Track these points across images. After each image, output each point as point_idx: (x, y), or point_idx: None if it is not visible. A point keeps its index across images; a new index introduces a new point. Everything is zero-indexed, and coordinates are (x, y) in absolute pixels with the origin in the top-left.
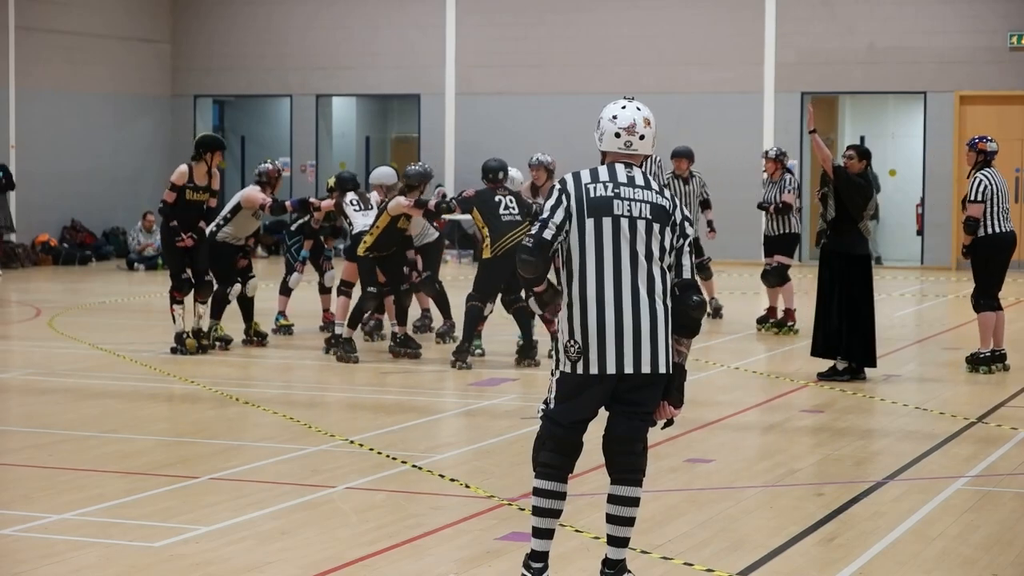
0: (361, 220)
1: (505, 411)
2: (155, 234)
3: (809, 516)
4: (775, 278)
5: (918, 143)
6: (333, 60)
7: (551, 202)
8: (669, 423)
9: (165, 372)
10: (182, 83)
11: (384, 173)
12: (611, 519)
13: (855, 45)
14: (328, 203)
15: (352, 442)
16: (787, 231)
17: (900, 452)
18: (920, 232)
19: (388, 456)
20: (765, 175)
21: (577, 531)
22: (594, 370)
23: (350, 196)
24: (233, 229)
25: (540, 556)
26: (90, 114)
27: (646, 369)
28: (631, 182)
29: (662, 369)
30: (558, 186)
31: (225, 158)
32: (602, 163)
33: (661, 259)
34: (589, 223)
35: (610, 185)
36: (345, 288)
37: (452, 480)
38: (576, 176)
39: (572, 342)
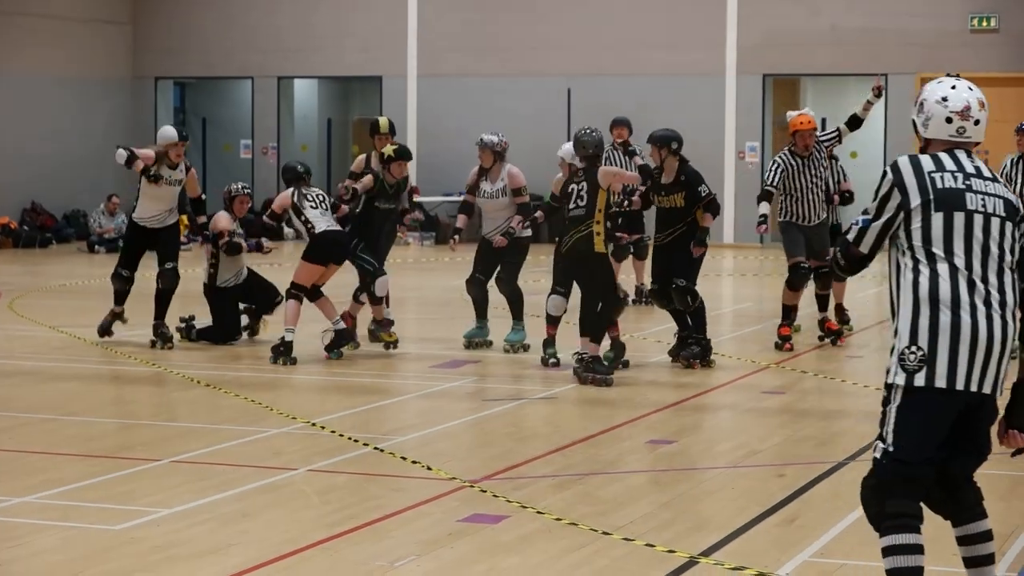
0: (322, 218)
1: (466, 393)
2: (118, 216)
3: (770, 497)
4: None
5: (879, 125)
6: (295, 42)
7: (878, 198)
8: (1020, 451)
9: (126, 355)
10: (143, 65)
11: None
12: (976, 561)
13: (817, 27)
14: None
15: (314, 424)
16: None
17: (862, 433)
18: None
19: (350, 438)
20: None
21: (539, 512)
22: (941, 383)
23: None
24: (223, 270)
25: None
26: (50, 96)
27: (987, 389)
28: (979, 173)
29: (998, 391)
30: (890, 177)
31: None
32: (922, 151)
33: (1011, 261)
34: (937, 218)
35: (959, 176)
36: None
37: (414, 462)
38: (914, 163)
39: (915, 348)
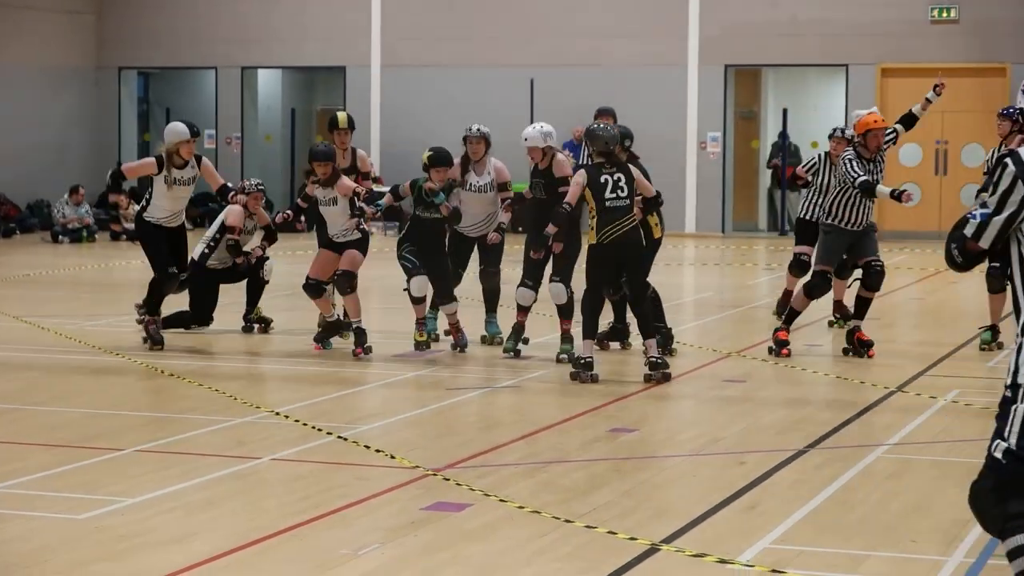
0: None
1: (429, 382)
2: (82, 207)
3: (731, 484)
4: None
5: (840, 114)
6: (258, 32)
7: (999, 191)
8: None
9: (90, 344)
10: (107, 55)
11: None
12: None
13: (778, 18)
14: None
15: (278, 413)
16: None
17: (821, 421)
18: None
19: (314, 427)
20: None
21: (502, 500)
22: None
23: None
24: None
25: None
26: (13, 85)
27: None
28: None
29: None
30: (1012, 169)
31: (151, 130)
32: None
33: None
34: None
35: None
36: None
37: (377, 451)
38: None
39: None
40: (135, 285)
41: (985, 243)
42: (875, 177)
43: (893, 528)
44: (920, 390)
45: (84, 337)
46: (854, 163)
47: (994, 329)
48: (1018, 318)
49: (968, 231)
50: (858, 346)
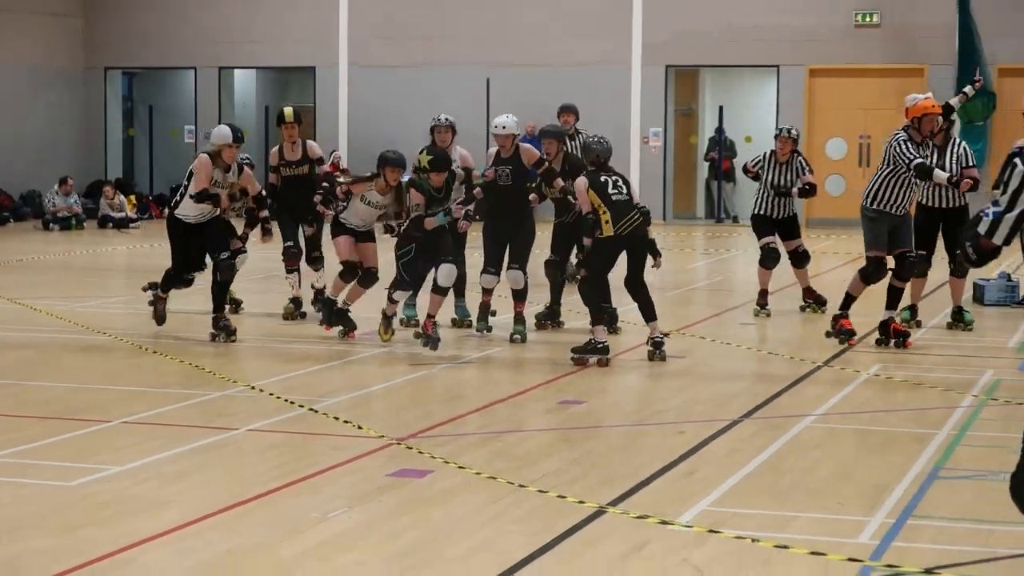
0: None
1: (394, 359)
2: (71, 196)
3: (671, 452)
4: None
5: (771, 112)
6: (234, 34)
7: (1010, 189)
8: None
9: (80, 324)
10: (94, 56)
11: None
12: None
13: (716, 23)
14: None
15: (253, 387)
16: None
17: (755, 393)
18: None
19: (287, 400)
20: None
21: (461, 467)
22: None
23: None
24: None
25: None
26: (6, 85)
27: None
28: None
29: None
30: (1021, 168)
31: (135, 126)
32: None
33: None
34: None
35: None
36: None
37: (346, 422)
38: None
39: None
40: (121, 269)
41: (999, 240)
42: (930, 160)
43: (820, 491)
44: (845, 364)
45: (74, 317)
46: (908, 145)
47: (913, 309)
48: None
49: (981, 229)
50: (893, 335)
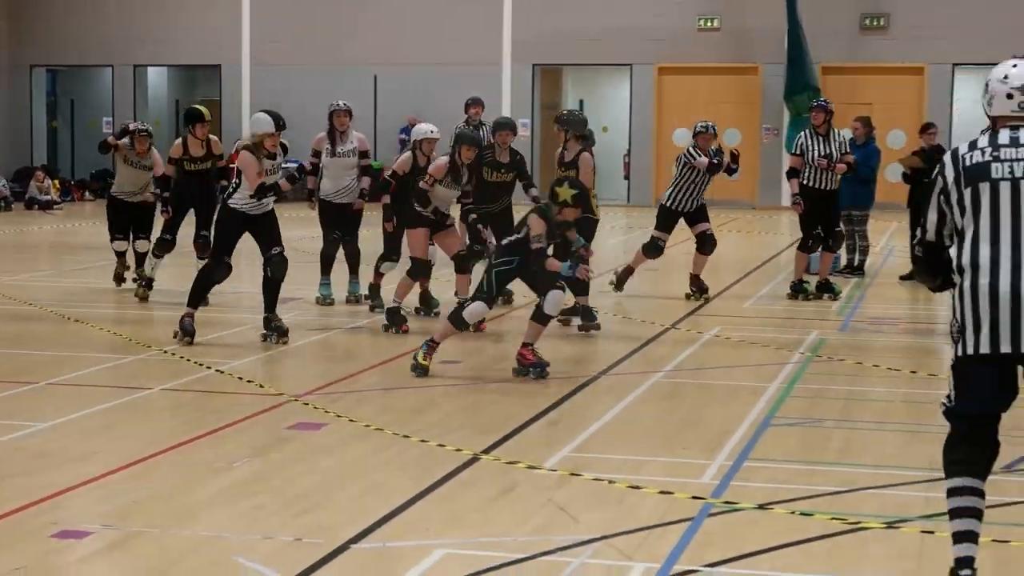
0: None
1: (293, 325)
2: (1, 181)
3: (538, 405)
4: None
5: (625, 105)
6: (148, 35)
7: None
8: None
9: (9, 296)
10: (20, 55)
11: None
12: None
13: (577, 25)
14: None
15: (166, 352)
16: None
17: (611, 352)
18: (627, 177)
19: (196, 363)
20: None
21: (351, 420)
22: (971, 349)
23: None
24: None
25: (967, 562)
26: None
27: None
28: (1015, 143)
29: None
30: (938, 182)
31: (58, 118)
32: (993, 130)
33: None
34: (967, 193)
35: (988, 150)
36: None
37: (249, 381)
38: (954, 152)
39: (953, 321)
40: (46, 246)
41: (930, 235)
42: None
43: (668, 438)
44: (690, 327)
45: (3, 290)
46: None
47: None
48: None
49: (918, 251)
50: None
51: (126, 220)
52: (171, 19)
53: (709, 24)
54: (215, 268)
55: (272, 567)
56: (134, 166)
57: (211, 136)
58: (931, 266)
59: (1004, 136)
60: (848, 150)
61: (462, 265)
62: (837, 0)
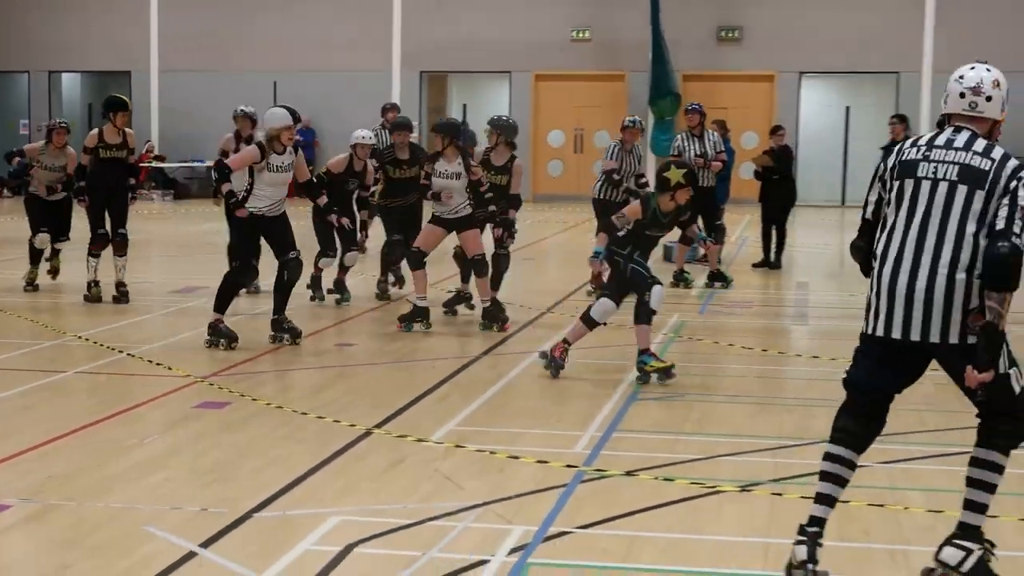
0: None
1: (201, 311)
2: None
3: (428, 382)
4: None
5: (504, 109)
6: (62, 43)
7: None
8: (984, 390)
9: None
10: None
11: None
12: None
13: (461, 35)
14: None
15: (80, 337)
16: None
17: (492, 335)
18: None
19: (109, 347)
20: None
21: (254, 399)
22: (870, 330)
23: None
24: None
25: (816, 521)
26: None
27: (915, 337)
28: (948, 144)
29: (934, 338)
30: (880, 166)
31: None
32: (941, 128)
33: (971, 224)
34: (895, 185)
35: (923, 148)
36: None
37: (158, 364)
38: (901, 143)
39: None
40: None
41: (869, 215)
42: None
43: (544, 411)
44: (563, 311)
45: None
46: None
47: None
48: None
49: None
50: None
51: (46, 216)
52: (84, 27)
53: (581, 35)
54: (242, 272)
55: (180, 536)
56: (49, 169)
57: (127, 129)
58: (861, 250)
59: (943, 137)
60: (722, 149)
61: (476, 269)
62: (696, 14)
